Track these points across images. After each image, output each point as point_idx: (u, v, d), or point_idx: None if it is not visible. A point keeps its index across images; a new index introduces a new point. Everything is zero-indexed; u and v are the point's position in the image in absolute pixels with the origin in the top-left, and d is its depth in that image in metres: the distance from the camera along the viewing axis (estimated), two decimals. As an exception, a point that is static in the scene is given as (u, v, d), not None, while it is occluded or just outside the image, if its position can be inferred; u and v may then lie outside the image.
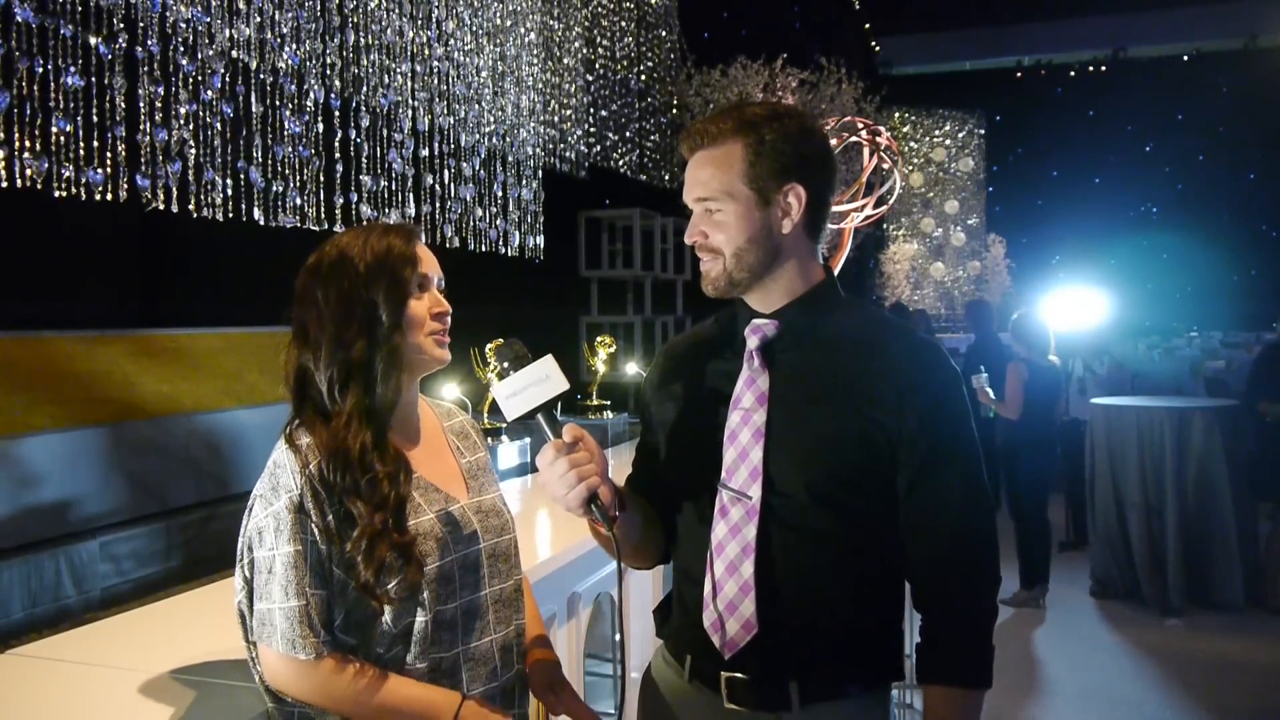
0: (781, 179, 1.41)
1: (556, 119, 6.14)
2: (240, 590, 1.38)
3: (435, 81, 4.81)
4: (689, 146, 1.45)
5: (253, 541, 1.36)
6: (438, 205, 4.86)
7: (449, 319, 1.49)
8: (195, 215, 3.51)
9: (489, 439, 4.02)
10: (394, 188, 4.51)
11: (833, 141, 3.41)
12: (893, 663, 1.45)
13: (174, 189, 3.39)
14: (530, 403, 1.33)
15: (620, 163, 7.33)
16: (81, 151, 3.08)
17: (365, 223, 4.22)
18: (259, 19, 3.75)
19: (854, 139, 3.52)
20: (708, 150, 1.43)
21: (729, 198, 1.41)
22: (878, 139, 3.50)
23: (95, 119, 3.12)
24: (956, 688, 1.39)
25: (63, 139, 3.02)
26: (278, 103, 3.86)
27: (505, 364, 1.37)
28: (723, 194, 1.41)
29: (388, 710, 1.35)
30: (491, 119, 5.28)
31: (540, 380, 1.34)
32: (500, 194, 5.37)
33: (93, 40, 3.08)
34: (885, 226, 15.56)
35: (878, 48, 17.03)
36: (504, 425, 3.93)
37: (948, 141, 16.75)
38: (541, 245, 5.74)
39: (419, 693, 1.37)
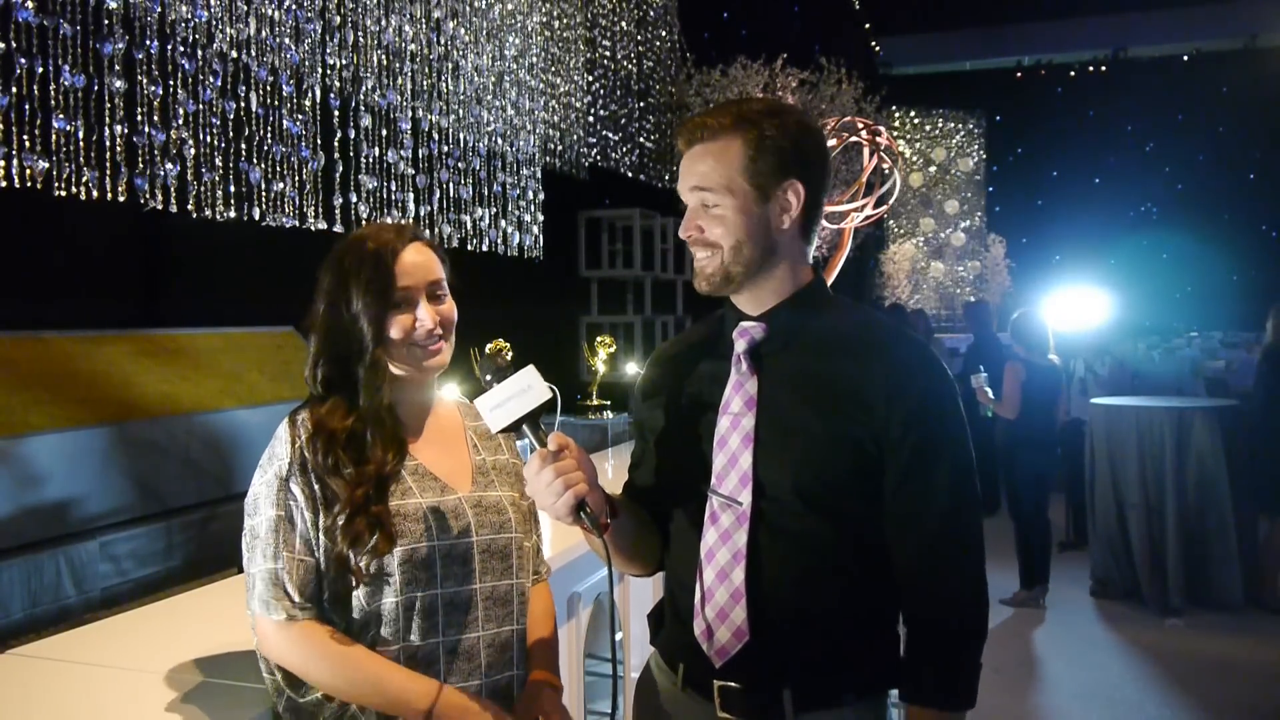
0: (781, 175, 1.39)
1: (557, 119, 6.14)
2: (245, 558, 1.43)
3: (435, 81, 4.80)
4: (686, 139, 1.43)
5: (249, 510, 1.42)
6: (437, 205, 4.85)
7: (439, 331, 1.48)
8: (195, 215, 3.51)
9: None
10: (394, 188, 4.51)
11: (832, 142, 3.41)
12: (888, 669, 1.43)
13: (173, 189, 3.40)
14: (514, 414, 1.33)
15: (620, 163, 7.32)
16: (81, 151, 3.08)
17: (370, 221, 4.23)
18: (258, 18, 3.75)
19: (854, 139, 3.52)
20: (706, 144, 1.40)
21: (728, 192, 1.38)
22: (878, 139, 3.50)
23: (95, 119, 3.12)
24: (939, 711, 1.37)
25: (62, 139, 3.02)
26: (278, 103, 3.86)
27: (488, 377, 1.37)
28: (721, 187, 1.38)
29: (362, 685, 1.37)
30: (491, 119, 5.28)
31: (523, 391, 1.33)
32: (500, 194, 5.37)
33: (92, 40, 3.08)
34: (885, 226, 15.55)
35: (878, 48, 17.02)
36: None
37: (948, 141, 16.74)
38: (541, 245, 5.74)
39: (397, 676, 1.38)
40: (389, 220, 4.40)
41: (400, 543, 1.39)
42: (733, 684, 1.39)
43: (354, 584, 1.38)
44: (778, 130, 1.38)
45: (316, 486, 1.39)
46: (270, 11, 3.79)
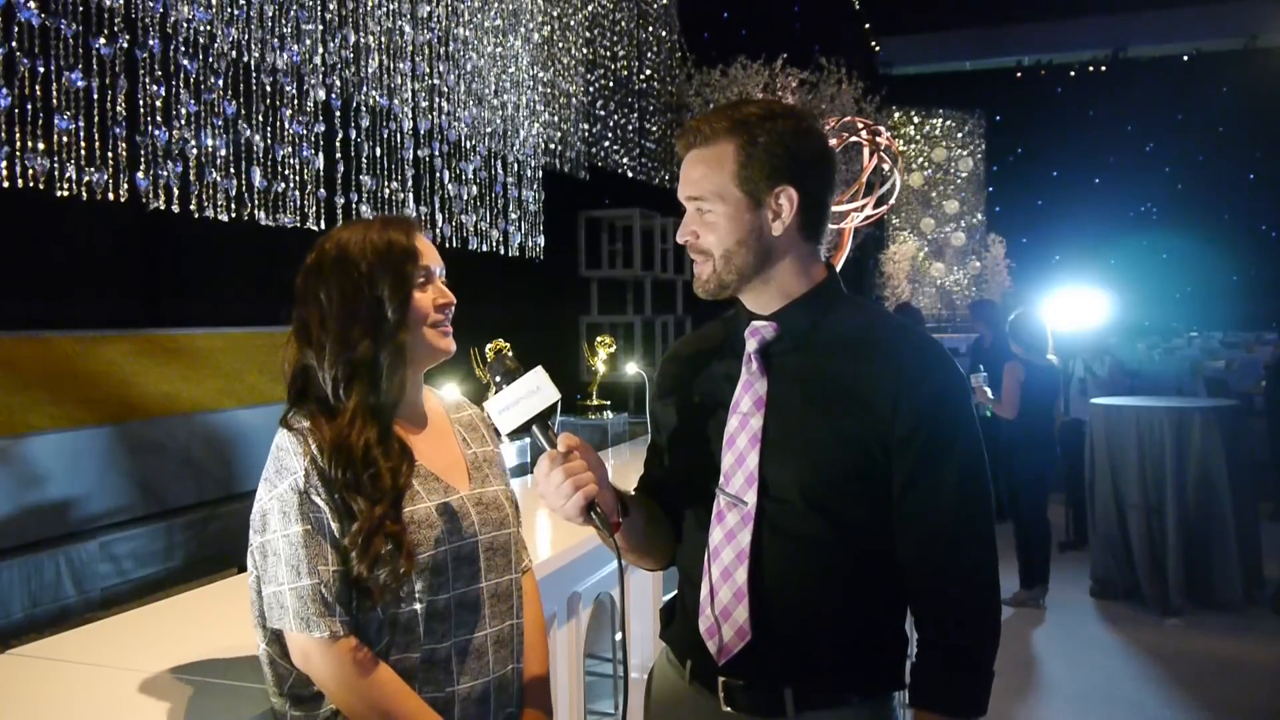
0: (772, 181, 1.38)
1: (557, 119, 6.14)
2: (250, 575, 1.40)
3: (435, 81, 4.81)
4: (684, 144, 1.44)
5: (257, 526, 1.37)
6: (437, 205, 4.86)
7: (452, 310, 1.49)
8: (196, 215, 3.52)
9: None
10: (394, 187, 4.51)
11: (832, 141, 3.41)
12: (893, 671, 1.42)
13: (175, 189, 3.40)
14: (523, 415, 1.33)
15: (620, 163, 7.33)
16: (83, 151, 3.08)
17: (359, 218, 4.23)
18: (259, 18, 3.75)
19: (854, 139, 3.52)
20: (701, 150, 1.41)
21: (720, 199, 1.39)
22: (878, 139, 3.50)
23: (97, 119, 3.12)
24: (945, 717, 1.35)
25: (65, 139, 3.02)
26: (278, 103, 3.86)
27: (497, 378, 1.37)
28: (714, 195, 1.39)
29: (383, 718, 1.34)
30: (492, 119, 5.28)
31: (532, 392, 1.34)
32: (500, 194, 5.37)
33: (94, 40, 3.08)
34: (885, 226, 15.55)
35: (878, 48, 17.02)
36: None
37: (947, 141, 16.74)
38: (541, 245, 5.74)
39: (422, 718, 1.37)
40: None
41: (416, 551, 1.37)
42: (737, 680, 1.40)
43: (373, 602, 1.36)
44: (771, 135, 1.38)
45: (338, 497, 1.35)
46: (270, 12, 3.79)
